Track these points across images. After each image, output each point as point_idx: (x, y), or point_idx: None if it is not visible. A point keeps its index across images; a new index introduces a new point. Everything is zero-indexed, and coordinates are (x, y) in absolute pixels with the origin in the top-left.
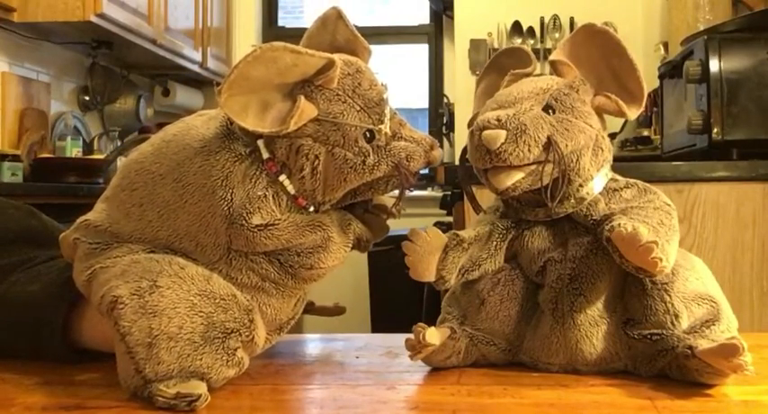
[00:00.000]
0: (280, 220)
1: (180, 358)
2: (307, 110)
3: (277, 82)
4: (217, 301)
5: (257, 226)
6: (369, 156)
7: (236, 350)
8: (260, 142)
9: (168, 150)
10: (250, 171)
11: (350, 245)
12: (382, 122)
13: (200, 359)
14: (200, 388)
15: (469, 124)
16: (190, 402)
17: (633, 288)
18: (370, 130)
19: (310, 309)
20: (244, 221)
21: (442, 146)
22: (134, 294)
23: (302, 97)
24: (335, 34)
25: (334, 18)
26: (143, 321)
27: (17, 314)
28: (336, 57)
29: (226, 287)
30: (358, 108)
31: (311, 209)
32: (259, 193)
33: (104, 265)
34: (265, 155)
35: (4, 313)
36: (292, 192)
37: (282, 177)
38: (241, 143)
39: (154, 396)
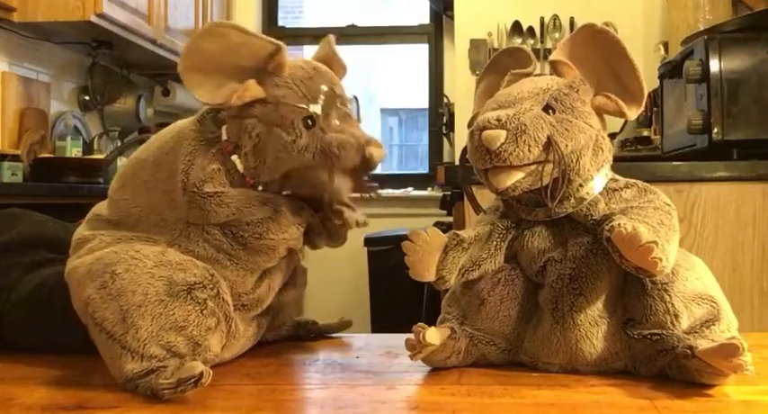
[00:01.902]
0: (230, 190)
1: (154, 319)
2: (252, 89)
3: (231, 61)
4: (174, 265)
5: (208, 193)
6: (301, 137)
7: (205, 301)
8: (223, 128)
9: (154, 139)
10: (210, 151)
11: (303, 225)
12: (320, 110)
13: (173, 314)
14: (197, 367)
15: (469, 124)
16: (195, 382)
17: (633, 288)
18: (311, 118)
19: (314, 329)
20: (196, 189)
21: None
22: (100, 288)
23: (252, 80)
24: (318, 52)
25: (324, 40)
26: (113, 305)
27: (42, 284)
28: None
29: (181, 255)
30: (300, 94)
31: (259, 188)
32: (213, 167)
33: (75, 265)
34: (224, 137)
35: (35, 285)
36: (241, 170)
37: (234, 157)
38: (209, 130)
39: (159, 391)
